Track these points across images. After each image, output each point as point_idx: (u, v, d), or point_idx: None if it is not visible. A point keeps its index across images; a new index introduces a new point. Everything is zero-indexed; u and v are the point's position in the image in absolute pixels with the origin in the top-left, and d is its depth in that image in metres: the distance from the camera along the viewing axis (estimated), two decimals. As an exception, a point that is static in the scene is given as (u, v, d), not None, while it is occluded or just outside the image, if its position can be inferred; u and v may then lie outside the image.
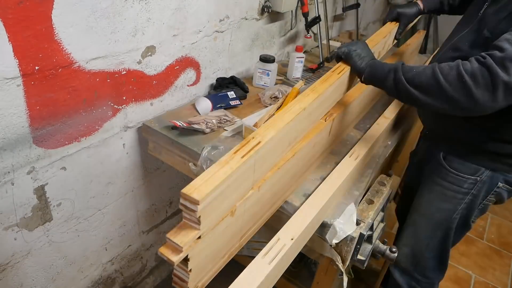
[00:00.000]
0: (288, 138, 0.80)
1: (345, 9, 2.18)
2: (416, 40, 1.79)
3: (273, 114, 1.13)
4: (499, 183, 1.04)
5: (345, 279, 0.93)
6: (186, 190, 0.58)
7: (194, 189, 0.58)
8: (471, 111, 0.79)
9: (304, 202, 0.88)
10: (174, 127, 1.12)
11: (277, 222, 0.87)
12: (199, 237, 0.61)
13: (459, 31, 1.05)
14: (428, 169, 1.17)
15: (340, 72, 0.94)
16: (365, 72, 0.92)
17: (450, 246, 1.19)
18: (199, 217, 0.58)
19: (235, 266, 0.65)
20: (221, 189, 0.61)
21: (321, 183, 0.94)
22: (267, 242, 0.75)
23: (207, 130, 1.12)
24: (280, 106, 1.17)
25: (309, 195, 0.90)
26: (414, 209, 1.21)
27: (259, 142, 0.69)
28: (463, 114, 0.83)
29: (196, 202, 0.56)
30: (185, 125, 1.09)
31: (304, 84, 1.35)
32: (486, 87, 0.75)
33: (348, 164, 1.00)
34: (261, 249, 0.72)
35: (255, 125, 1.09)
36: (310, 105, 0.82)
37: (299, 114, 0.79)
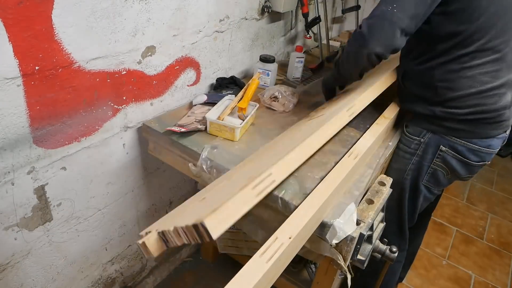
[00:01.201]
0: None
1: (344, 11, 2.18)
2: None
3: (234, 107, 1.18)
4: (442, 146, 1.15)
5: (349, 277, 0.93)
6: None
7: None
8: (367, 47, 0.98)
9: (302, 201, 0.88)
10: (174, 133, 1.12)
11: (276, 222, 0.87)
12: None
13: None
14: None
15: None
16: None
17: (405, 212, 1.30)
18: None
19: (234, 266, 0.65)
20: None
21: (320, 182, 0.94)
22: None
23: (202, 127, 1.13)
24: (241, 98, 1.20)
25: (308, 194, 0.90)
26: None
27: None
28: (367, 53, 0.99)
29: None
30: (183, 129, 1.09)
31: (304, 85, 1.35)
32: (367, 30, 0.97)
33: (347, 164, 1.00)
34: (261, 249, 0.72)
35: (219, 118, 1.14)
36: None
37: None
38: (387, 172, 1.29)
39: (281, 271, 0.76)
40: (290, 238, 0.75)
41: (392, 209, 1.29)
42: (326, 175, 0.97)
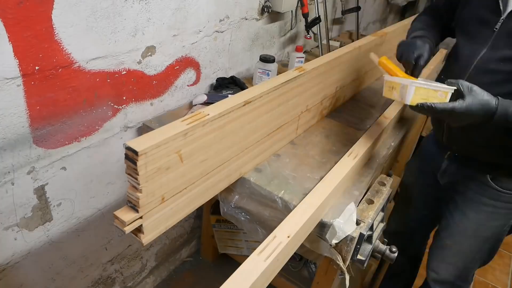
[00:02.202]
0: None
1: (344, 12, 2.18)
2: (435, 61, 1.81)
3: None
4: None
5: (347, 277, 0.93)
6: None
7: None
8: None
9: (301, 200, 0.88)
10: None
11: (276, 222, 0.87)
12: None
13: (474, 54, 1.00)
14: (468, 191, 1.16)
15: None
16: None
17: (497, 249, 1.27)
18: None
19: (234, 266, 0.65)
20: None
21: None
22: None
23: None
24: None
25: (307, 193, 0.91)
26: (456, 229, 1.21)
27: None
28: None
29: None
30: None
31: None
32: None
33: (347, 164, 1.00)
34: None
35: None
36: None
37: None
38: (475, 230, 1.18)
39: (278, 269, 0.77)
40: (288, 237, 0.75)
41: (480, 259, 1.25)
42: (326, 175, 0.97)
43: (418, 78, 0.95)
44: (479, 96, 0.84)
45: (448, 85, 0.85)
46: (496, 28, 0.96)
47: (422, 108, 0.84)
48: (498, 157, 1.05)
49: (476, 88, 0.84)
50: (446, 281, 1.28)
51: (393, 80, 0.93)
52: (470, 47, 1.03)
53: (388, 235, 1.50)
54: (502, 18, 0.95)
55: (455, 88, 0.85)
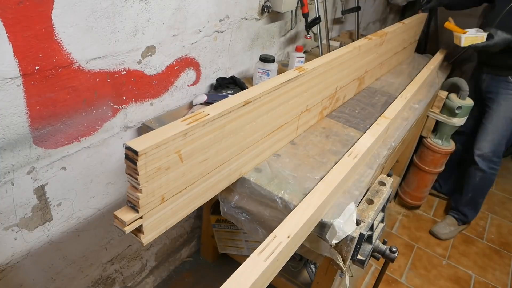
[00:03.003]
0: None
1: (344, 12, 2.18)
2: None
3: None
4: None
5: (347, 277, 0.93)
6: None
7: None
8: None
9: (302, 200, 0.88)
10: None
11: (276, 222, 0.87)
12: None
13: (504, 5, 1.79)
14: (497, 89, 1.93)
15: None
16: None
17: None
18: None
19: (234, 266, 0.66)
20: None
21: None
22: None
23: None
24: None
25: (307, 193, 0.91)
26: (494, 115, 1.95)
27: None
28: None
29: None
30: None
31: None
32: None
33: (347, 163, 1.00)
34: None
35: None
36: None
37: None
38: (505, 112, 1.92)
39: (279, 269, 0.77)
40: (288, 237, 0.75)
41: (507, 136, 1.96)
42: (326, 175, 0.97)
43: (468, 30, 1.74)
44: (502, 35, 1.67)
45: (485, 31, 1.71)
46: None
47: (470, 47, 1.73)
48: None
49: (499, 31, 1.67)
50: (486, 156, 1.99)
51: (455, 34, 1.77)
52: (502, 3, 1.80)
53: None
54: None
55: (488, 33, 1.68)
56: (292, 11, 1.70)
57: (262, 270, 0.67)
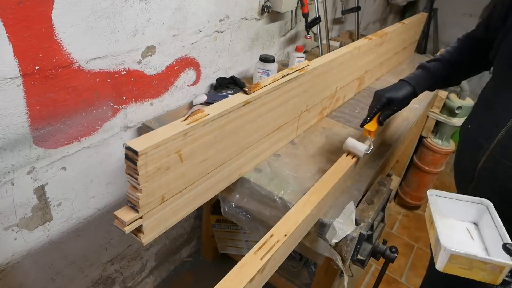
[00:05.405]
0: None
1: (344, 12, 2.18)
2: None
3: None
4: None
5: (346, 278, 0.93)
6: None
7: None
8: None
9: (299, 199, 0.88)
10: None
11: (276, 221, 0.87)
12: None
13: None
14: None
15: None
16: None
17: None
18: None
19: (234, 265, 0.66)
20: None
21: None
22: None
23: None
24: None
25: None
26: None
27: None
28: None
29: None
30: None
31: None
32: None
33: (345, 163, 1.00)
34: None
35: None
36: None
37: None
38: None
39: (276, 267, 0.77)
40: (285, 235, 0.76)
41: None
42: (324, 174, 0.97)
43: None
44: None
45: (506, 252, 0.54)
46: None
47: None
48: None
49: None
50: None
51: (430, 227, 0.69)
52: (507, 96, 0.80)
53: None
54: None
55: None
56: (292, 11, 1.70)
57: (259, 268, 0.67)
